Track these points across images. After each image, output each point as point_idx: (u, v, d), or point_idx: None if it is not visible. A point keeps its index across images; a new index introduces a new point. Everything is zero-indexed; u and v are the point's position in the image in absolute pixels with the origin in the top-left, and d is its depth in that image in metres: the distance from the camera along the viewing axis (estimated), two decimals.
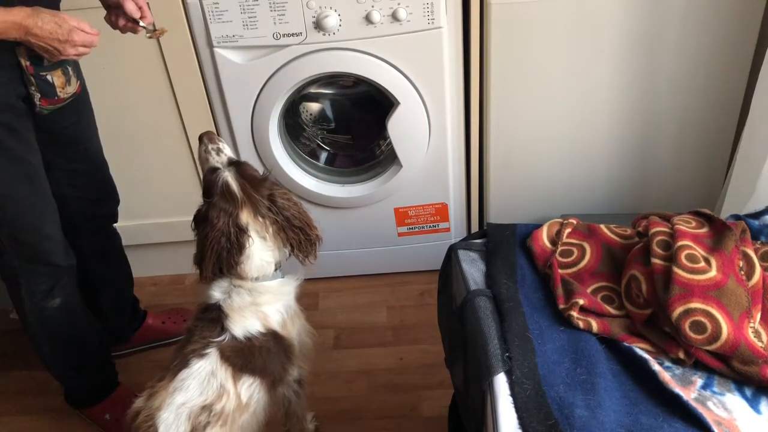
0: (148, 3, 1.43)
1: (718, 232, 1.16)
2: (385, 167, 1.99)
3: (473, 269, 1.27)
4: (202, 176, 1.36)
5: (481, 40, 1.76)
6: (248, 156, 1.94)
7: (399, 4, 1.66)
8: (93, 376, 1.78)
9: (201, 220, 1.30)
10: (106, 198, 1.75)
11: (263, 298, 1.31)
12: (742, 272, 1.08)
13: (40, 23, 1.25)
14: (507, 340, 1.08)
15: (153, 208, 2.10)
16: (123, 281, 1.92)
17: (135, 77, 1.85)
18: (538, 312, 1.15)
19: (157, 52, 1.80)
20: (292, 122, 2.04)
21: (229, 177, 1.30)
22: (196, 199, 2.04)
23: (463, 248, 1.32)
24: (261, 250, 1.31)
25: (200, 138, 1.37)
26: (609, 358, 1.08)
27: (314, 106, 2.12)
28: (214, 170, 1.32)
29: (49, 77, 1.39)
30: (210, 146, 1.35)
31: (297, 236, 1.33)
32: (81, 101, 1.54)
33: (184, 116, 1.91)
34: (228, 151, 1.36)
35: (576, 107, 1.85)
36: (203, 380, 1.20)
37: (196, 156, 1.37)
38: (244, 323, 1.28)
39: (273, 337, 1.31)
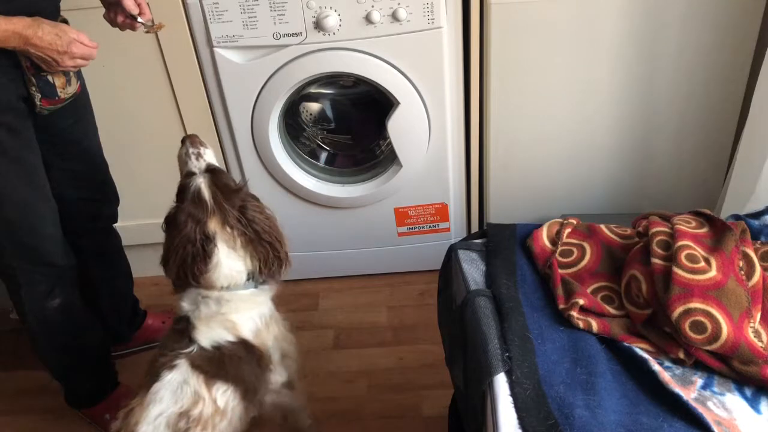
0: (147, 1, 1.42)
1: (718, 232, 1.16)
2: (385, 167, 1.99)
3: (473, 269, 1.27)
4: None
5: (481, 40, 1.76)
6: (248, 156, 1.94)
7: (399, 4, 1.66)
8: (93, 377, 1.78)
9: (170, 222, 1.29)
10: (106, 198, 1.75)
11: (230, 306, 1.29)
12: (742, 272, 1.08)
13: (40, 33, 1.26)
14: (507, 340, 1.08)
15: (153, 208, 2.08)
16: (123, 281, 1.92)
17: (135, 77, 1.85)
18: (538, 312, 1.15)
19: (157, 52, 1.80)
20: (292, 122, 2.04)
21: (202, 183, 1.28)
22: None
23: (463, 248, 1.32)
24: (229, 260, 1.28)
25: (182, 140, 1.37)
26: (609, 358, 1.08)
27: (314, 106, 2.12)
28: (190, 175, 1.31)
29: (49, 77, 1.39)
30: (191, 150, 1.34)
31: (265, 251, 1.30)
32: (81, 101, 1.55)
33: (184, 116, 1.91)
34: (208, 157, 1.35)
35: (576, 107, 1.86)
36: (176, 389, 1.19)
37: (177, 158, 1.37)
38: (210, 333, 1.26)
39: (243, 345, 1.28)
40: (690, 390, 1.02)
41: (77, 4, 1.64)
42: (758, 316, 1.05)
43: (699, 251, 1.10)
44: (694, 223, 1.19)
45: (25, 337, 1.69)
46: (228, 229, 1.27)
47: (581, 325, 1.11)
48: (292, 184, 1.97)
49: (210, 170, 1.32)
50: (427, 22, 1.69)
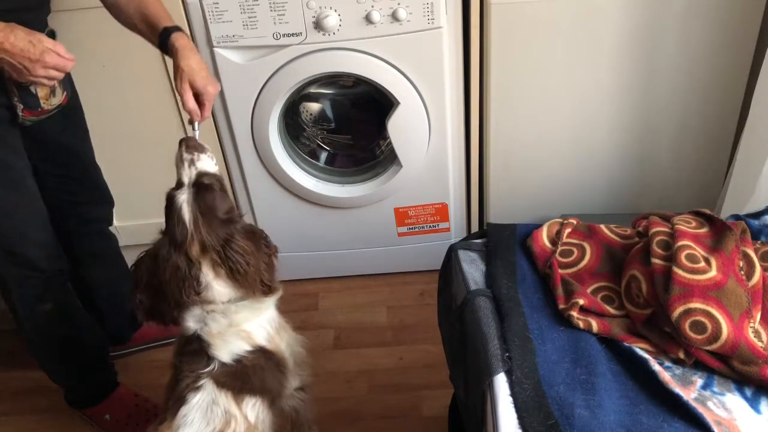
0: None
1: (718, 232, 1.16)
2: (385, 167, 1.99)
3: (473, 269, 1.27)
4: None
5: (481, 40, 1.76)
6: (248, 156, 1.94)
7: (399, 4, 1.66)
8: (91, 378, 1.78)
9: (152, 254, 1.21)
10: (99, 201, 1.74)
11: (239, 316, 1.23)
12: (742, 272, 1.08)
13: (12, 39, 1.20)
14: (507, 340, 1.08)
15: (153, 208, 2.08)
16: (120, 282, 1.91)
17: (135, 77, 1.85)
18: (538, 312, 1.15)
19: (157, 53, 1.79)
20: (292, 122, 2.04)
21: (184, 203, 1.19)
22: None
23: (463, 248, 1.32)
24: (218, 282, 1.21)
25: (180, 142, 1.28)
26: (609, 358, 1.08)
27: (314, 106, 2.12)
28: (179, 186, 1.23)
29: (32, 88, 1.35)
30: (185, 155, 1.25)
31: (247, 287, 1.22)
32: (70, 109, 1.53)
33: (184, 116, 1.91)
34: (203, 164, 1.25)
35: (576, 107, 1.86)
36: (206, 411, 1.16)
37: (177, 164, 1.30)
38: (228, 347, 1.21)
39: (262, 353, 1.24)
40: (690, 390, 1.02)
41: (77, 4, 1.64)
42: (758, 316, 1.05)
43: (699, 251, 1.10)
44: (694, 223, 1.19)
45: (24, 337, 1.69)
46: (207, 254, 1.19)
47: (581, 325, 1.11)
48: (292, 184, 1.97)
49: (198, 184, 1.22)
50: (427, 22, 1.69)
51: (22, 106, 1.36)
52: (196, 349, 1.21)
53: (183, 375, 1.20)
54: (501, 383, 1.03)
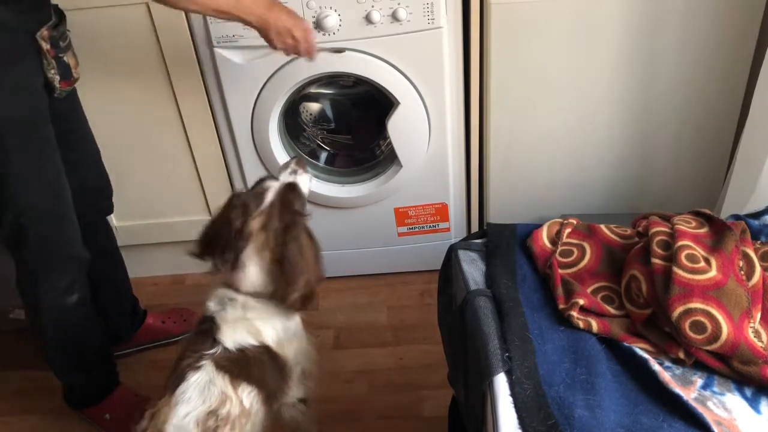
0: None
1: (718, 232, 1.16)
2: (385, 167, 1.99)
3: (473, 269, 1.27)
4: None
5: (481, 40, 1.76)
6: (248, 156, 1.94)
7: (399, 4, 1.66)
8: (97, 374, 1.78)
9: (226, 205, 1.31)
10: (104, 186, 1.75)
11: (255, 313, 1.28)
12: (742, 272, 1.08)
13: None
14: (507, 340, 1.08)
15: (153, 208, 2.10)
16: (121, 280, 1.92)
17: (135, 77, 1.85)
18: (538, 312, 1.15)
19: (157, 52, 1.80)
20: (292, 122, 2.04)
21: (273, 188, 1.30)
22: (195, 199, 2.06)
23: (463, 248, 1.32)
24: (254, 265, 1.27)
25: (292, 157, 1.45)
26: (609, 358, 1.08)
27: (314, 106, 2.12)
28: (272, 178, 1.35)
29: (65, 58, 1.42)
30: (292, 166, 1.38)
31: (283, 279, 1.26)
32: (73, 93, 1.55)
33: (184, 116, 1.91)
34: (300, 180, 1.37)
35: (576, 107, 1.86)
36: (203, 389, 1.19)
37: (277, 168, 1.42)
38: (234, 336, 1.25)
39: (267, 352, 1.28)
40: (690, 390, 1.02)
41: (77, 4, 1.64)
42: (758, 316, 1.05)
43: (699, 251, 1.10)
44: (694, 223, 1.19)
45: (25, 337, 1.69)
46: (263, 235, 1.26)
47: (581, 325, 1.11)
48: None
49: (289, 186, 1.34)
50: (427, 22, 1.69)
51: (59, 78, 1.41)
52: (205, 329, 1.26)
53: (187, 353, 1.24)
54: (501, 383, 1.03)
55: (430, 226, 2.10)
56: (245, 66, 1.77)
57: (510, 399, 1.01)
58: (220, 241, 1.27)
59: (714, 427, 0.94)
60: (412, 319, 2.04)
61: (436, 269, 1.41)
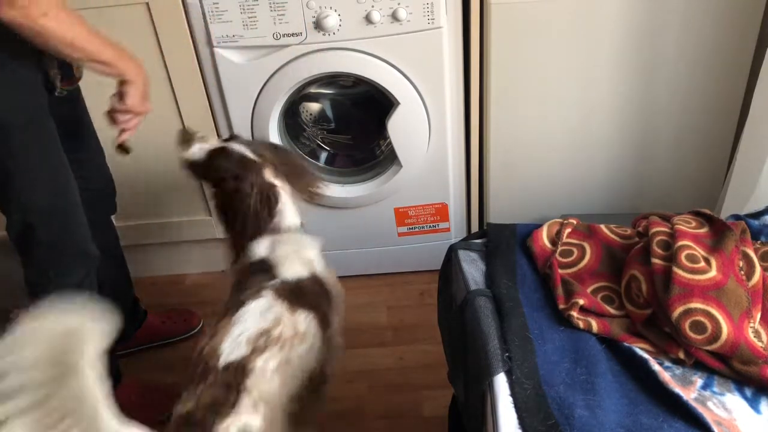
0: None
1: (718, 232, 1.16)
2: (385, 167, 1.99)
3: (473, 269, 1.27)
4: (196, 167, 1.45)
5: (481, 40, 1.76)
6: None
7: (399, 4, 1.66)
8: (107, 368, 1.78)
9: (231, 193, 1.39)
10: (108, 186, 1.75)
11: (302, 244, 1.40)
12: (742, 272, 1.08)
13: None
14: (507, 340, 1.08)
15: (153, 208, 2.10)
16: (123, 279, 1.92)
17: None
18: (538, 312, 1.15)
19: (157, 52, 1.80)
20: (292, 122, 2.04)
21: (239, 148, 1.40)
22: (195, 199, 2.06)
23: (463, 248, 1.32)
24: (288, 201, 1.42)
25: (183, 133, 1.47)
26: (609, 358, 1.08)
27: (314, 106, 2.12)
28: (220, 150, 1.41)
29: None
30: (197, 135, 1.45)
31: (304, 180, 1.47)
32: (76, 90, 1.55)
33: (184, 116, 1.91)
34: (213, 137, 1.47)
35: (576, 107, 1.86)
36: (261, 313, 1.24)
37: (180, 150, 1.46)
38: (293, 269, 1.34)
39: (317, 282, 1.37)
40: (690, 390, 1.02)
41: (78, 4, 1.64)
42: (758, 316, 1.05)
43: (699, 251, 1.10)
44: (694, 223, 1.19)
45: None
46: (279, 176, 1.41)
47: (581, 325, 1.11)
48: None
49: (229, 139, 1.45)
50: (427, 22, 1.69)
51: (60, 77, 1.41)
52: (263, 268, 1.34)
53: (247, 287, 1.30)
54: (501, 383, 1.03)
55: (430, 226, 2.10)
56: (245, 66, 1.77)
57: (510, 399, 1.01)
58: (261, 206, 1.38)
59: (714, 427, 0.94)
60: (412, 319, 2.04)
61: (436, 269, 1.41)
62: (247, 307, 1.24)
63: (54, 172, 1.44)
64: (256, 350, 1.18)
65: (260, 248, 1.38)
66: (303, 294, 1.31)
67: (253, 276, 1.33)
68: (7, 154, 1.37)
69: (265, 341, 1.20)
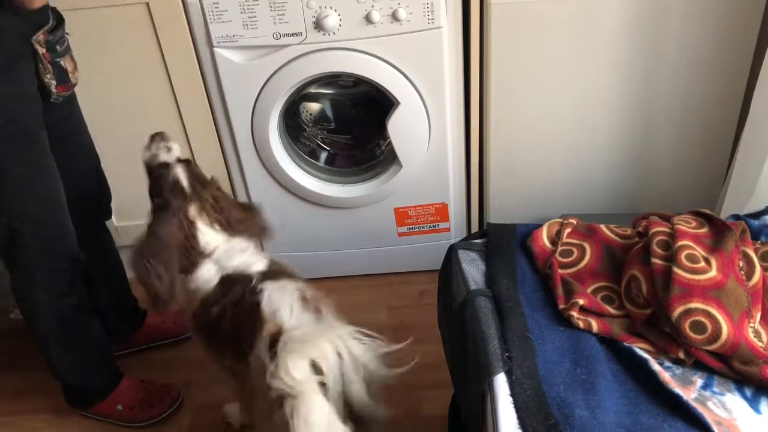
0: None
1: (718, 232, 1.16)
2: (385, 167, 1.99)
3: (473, 269, 1.27)
4: (149, 171, 1.44)
5: (481, 40, 1.76)
6: (248, 156, 1.94)
7: (399, 4, 1.66)
8: (102, 370, 1.78)
9: (156, 228, 1.35)
10: (103, 193, 1.75)
11: (241, 246, 1.39)
12: (742, 272, 1.08)
13: None
14: (507, 340, 1.08)
15: None
16: (120, 280, 1.92)
17: (135, 77, 1.85)
18: (538, 312, 1.15)
19: (157, 52, 1.80)
20: (292, 122, 2.04)
21: (180, 173, 1.38)
22: None
23: (463, 248, 1.33)
24: (212, 232, 1.38)
25: (153, 136, 1.44)
26: (609, 358, 1.08)
27: (314, 106, 2.12)
28: (165, 165, 1.39)
29: (62, 63, 1.41)
30: (161, 144, 1.42)
31: (246, 234, 1.42)
32: (71, 96, 1.55)
33: (184, 116, 1.91)
34: (178, 151, 1.43)
35: (576, 107, 1.86)
36: (281, 292, 1.28)
37: (143, 150, 1.45)
38: (257, 262, 1.37)
39: (277, 263, 1.40)
40: (690, 390, 1.02)
41: (77, 4, 1.65)
42: (758, 316, 1.05)
43: (699, 251, 1.10)
44: (694, 223, 1.19)
45: (25, 337, 1.69)
46: (205, 214, 1.38)
47: (581, 325, 1.11)
48: (292, 184, 1.97)
49: (182, 161, 1.41)
50: (427, 22, 1.69)
51: (55, 83, 1.40)
52: (234, 280, 1.34)
53: (236, 297, 1.31)
54: (501, 383, 1.03)
55: (430, 226, 2.10)
56: (245, 66, 1.77)
57: (510, 399, 1.01)
58: (188, 246, 1.35)
59: (714, 427, 0.94)
60: (412, 319, 2.04)
61: (436, 269, 1.41)
62: (265, 297, 1.27)
63: (43, 179, 1.44)
64: (317, 313, 1.27)
65: (209, 273, 1.36)
66: (282, 270, 1.37)
67: (224, 294, 1.33)
68: None
69: (315, 304, 1.28)
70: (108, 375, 1.80)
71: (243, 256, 1.38)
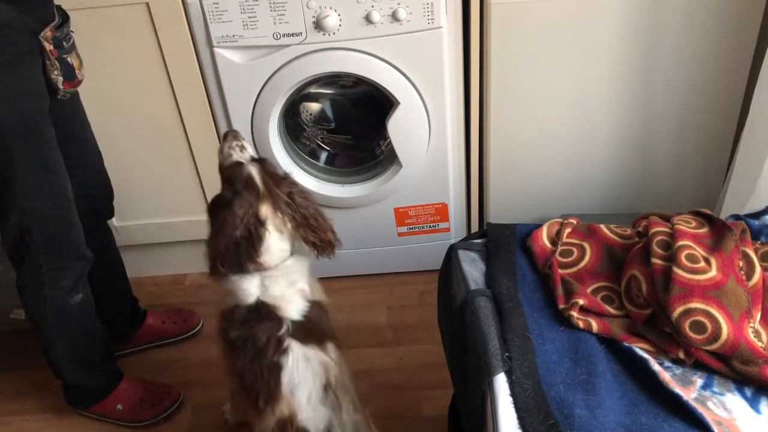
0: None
1: (718, 232, 1.16)
2: (385, 167, 1.99)
3: (473, 269, 1.27)
4: (221, 172, 1.40)
5: (481, 40, 1.76)
6: None
7: (399, 4, 1.66)
8: (103, 370, 1.78)
9: (221, 206, 1.31)
10: (106, 191, 1.75)
11: (293, 276, 1.34)
12: (742, 272, 1.08)
13: None
14: (507, 340, 1.08)
15: (153, 208, 2.10)
16: (121, 280, 1.92)
17: (135, 77, 1.85)
18: (538, 312, 1.15)
19: (157, 52, 1.80)
20: (292, 122, 2.04)
21: (253, 170, 1.33)
22: (195, 199, 2.06)
23: (463, 248, 1.32)
24: (278, 242, 1.33)
25: (225, 135, 1.41)
26: (609, 358, 1.08)
27: (314, 106, 2.12)
28: (239, 164, 1.35)
29: (69, 59, 1.41)
30: (235, 143, 1.39)
31: (314, 235, 1.36)
32: (75, 95, 1.55)
33: (184, 116, 1.91)
34: (251, 150, 1.40)
35: (576, 107, 1.86)
36: (305, 366, 1.23)
37: (218, 152, 1.42)
38: (295, 306, 1.31)
39: (317, 304, 1.36)
40: (690, 390, 1.02)
41: (77, 3, 1.64)
42: (758, 316, 1.05)
43: (699, 251, 1.10)
44: (694, 223, 1.19)
45: (25, 337, 1.69)
46: (279, 214, 1.32)
47: (581, 325, 1.11)
48: None
49: (255, 160, 1.37)
50: (427, 22, 1.69)
51: (62, 79, 1.41)
52: (263, 315, 1.29)
53: (261, 342, 1.26)
54: (501, 383, 1.03)
55: (430, 226, 2.10)
56: (245, 66, 1.77)
57: (510, 399, 1.01)
58: (244, 244, 1.29)
59: (714, 427, 0.94)
60: (412, 319, 2.04)
61: (436, 269, 1.41)
62: (287, 369, 1.23)
63: (52, 176, 1.44)
64: (335, 407, 1.21)
65: (251, 288, 1.32)
66: (318, 327, 1.31)
67: (255, 326, 1.29)
68: (7, 161, 1.36)
69: (333, 393, 1.22)
70: (109, 374, 1.80)
71: (288, 287, 1.32)
